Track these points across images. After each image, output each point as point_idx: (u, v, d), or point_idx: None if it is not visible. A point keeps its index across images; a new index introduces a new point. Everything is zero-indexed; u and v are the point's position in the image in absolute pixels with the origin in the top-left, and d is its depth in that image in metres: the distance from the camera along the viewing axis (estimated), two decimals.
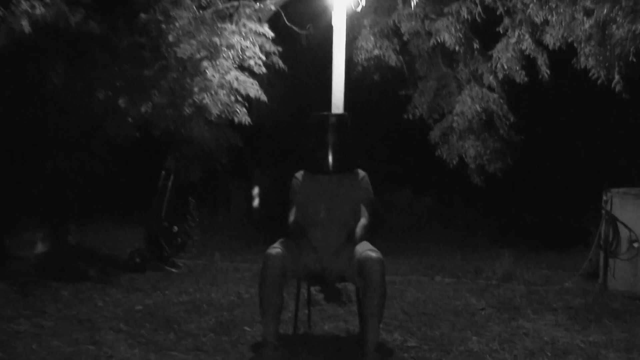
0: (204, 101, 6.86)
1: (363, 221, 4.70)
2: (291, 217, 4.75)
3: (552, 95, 10.62)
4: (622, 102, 7.49)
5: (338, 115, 5.33)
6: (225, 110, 7.10)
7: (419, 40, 9.53)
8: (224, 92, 6.99)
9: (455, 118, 8.85)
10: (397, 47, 9.10)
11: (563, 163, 14.31)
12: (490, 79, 8.46)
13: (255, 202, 15.58)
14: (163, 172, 8.92)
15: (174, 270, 8.48)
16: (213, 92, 6.90)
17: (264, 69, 7.43)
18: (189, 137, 11.33)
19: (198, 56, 6.80)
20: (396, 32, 9.22)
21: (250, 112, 12.17)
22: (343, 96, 6.77)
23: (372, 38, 8.56)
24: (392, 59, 8.80)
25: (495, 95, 8.65)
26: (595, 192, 9.02)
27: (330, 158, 4.77)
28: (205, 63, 6.83)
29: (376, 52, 8.48)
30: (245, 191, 15.93)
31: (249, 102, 11.92)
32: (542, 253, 10.92)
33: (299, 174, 4.93)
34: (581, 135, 13.54)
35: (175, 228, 8.86)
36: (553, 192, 14.15)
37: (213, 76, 6.91)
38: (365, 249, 4.34)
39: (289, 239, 4.51)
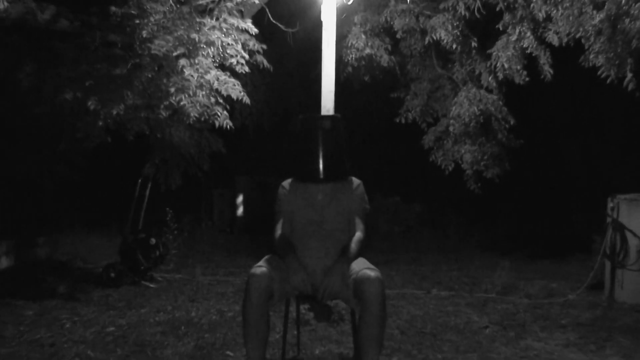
0: (181, 103, 6.28)
1: (358, 235, 4.16)
2: (277, 231, 4.23)
3: (550, 96, 10.12)
4: (628, 103, 7.00)
5: (330, 118, 4.77)
6: (205, 113, 6.53)
7: (412, 39, 9.03)
8: (204, 93, 6.42)
9: (452, 122, 8.33)
10: (389, 47, 8.57)
11: (559, 168, 13.83)
12: (489, 79, 7.95)
13: (240, 211, 15.00)
14: (140, 180, 8.32)
15: (151, 285, 7.92)
16: (191, 93, 6.33)
17: (247, 69, 6.86)
18: (169, 142, 10.83)
19: (175, 53, 6.23)
20: (388, 30, 8.71)
21: (232, 116, 11.67)
22: (333, 97, 6.22)
23: (363, 36, 8.01)
24: (384, 59, 8.27)
25: (494, 97, 8.14)
26: (595, 198, 8.56)
27: (321, 165, 4.27)
28: (182, 61, 6.26)
29: (367, 51, 7.93)
30: (230, 199, 15.38)
31: (231, 105, 11.41)
32: (540, 262, 10.54)
33: (286, 183, 4.43)
34: (580, 139, 13.06)
35: (153, 240, 8.26)
36: (549, 198, 13.67)
37: (191, 75, 6.34)
38: (362, 267, 3.88)
39: (276, 256, 4.01)
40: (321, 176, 4.26)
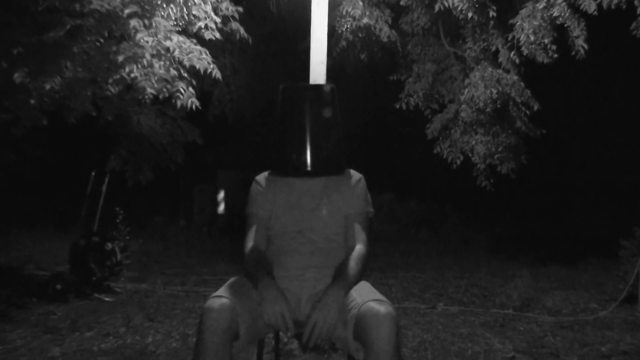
0: (132, 75, 4.81)
1: (359, 250, 2.88)
2: (249, 243, 2.95)
3: (576, 77, 8.66)
4: None
5: (320, 88, 3.32)
6: (164, 89, 5.07)
7: (414, 13, 7.60)
8: (162, 63, 4.97)
9: (463, 107, 6.90)
10: (389, 20, 7.13)
11: (577, 161, 12.42)
12: (511, 55, 6.50)
13: (221, 208, 13.57)
14: (93, 174, 6.86)
15: (105, 299, 6.52)
16: (145, 63, 4.87)
17: (217, 35, 5.42)
18: (136, 131, 9.37)
19: (125, 11, 4.76)
20: (389, 2, 7.28)
21: (211, 103, 10.36)
22: (325, 69, 4.79)
23: (360, 3, 6.54)
24: (385, 32, 6.82)
25: (515, 77, 6.71)
26: (622, 196, 7.20)
27: (308, 153, 3.04)
28: (134, 22, 4.80)
29: (365, 20, 6.47)
30: (211, 195, 13.98)
31: (209, 91, 10.09)
32: (555, 268, 9.39)
33: (262, 178, 3.22)
34: (613, 127, 11.60)
35: (109, 244, 6.82)
36: (563, 195, 12.29)
37: (145, 41, 4.87)
38: (367, 298, 2.63)
39: (245, 279, 2.79)
40: (308, 168, 3.02)
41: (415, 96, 7.87)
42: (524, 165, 7.73)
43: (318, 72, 4.89)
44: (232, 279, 2.75)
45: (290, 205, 2.97)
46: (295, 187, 3.01)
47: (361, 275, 2.77)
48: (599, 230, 11.58)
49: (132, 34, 4.88)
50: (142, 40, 4.90)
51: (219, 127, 11.03)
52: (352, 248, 2.82)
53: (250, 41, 6.12)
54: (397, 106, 7.94)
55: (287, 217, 2.94)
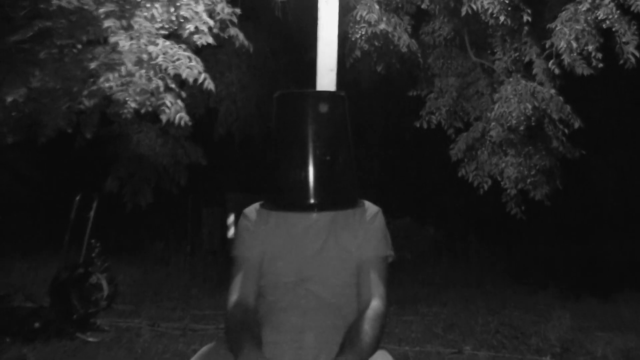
0: (107, 85, 4.00)
1: (375, 307, 2.26)
2: (232, 297, 2.34)
3: (612, 89, 7.68)
4: None
5: (326, 95, 2.63)
6: (147, 103, 4.26)
7: (436, 22, 6.77)
8: (143, 72, 4.15)
9: (492, 125, 6.01)
10: (409, 28, 6.30)
11: (608, 182, 11.41)
12: (549, 65, 5.61)
13: (231, 232, 12.76)
14: (77, 199, 6.07)
15: (89, 339, 5.74)
16: (123, 71, 4.06)
17: (210, 39, 4.60)
18: (135, 151, 8.63)
19: (100, 11, 3.96)
20: (408, 9, 6.45)
21: (217, 121, 9.58)
22: (335, 78, 3.96)
23: (376, 6, 5.69)
24: (404, 41, 5.98)
25: (552, 91, 5.82)
26: None
27: (311, 180, 2.35)
28: (109, 23, 3.99)
29: (382, 26, 5.62)
30: (220, 218, 13.24)
31: (214, 109, 9.31)
32: (593, 304, 8.54)
33: (252, 212, 2.52)
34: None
35: (96, 277, 6.00)
36: (592, 219, 11.28)
37: (124, 46, 4.07)
38: None
39: (224, 348, 2.18)
40: (311, 200, 2.36)
41: (437, 113, 7.02)
42: (559, 190, 6.82)
43: (327, 81, 4.08)
44: (206, 348, 2.18)
45: (288, 247, 2.34)
46: (294, 225, 2.37)
47: (378, 343, 2.16)
48: (631, 257, 10.62)
49: (108, 36, 4.07)
50: (120, 44, 4.09)
51: (225, 147, 10.27)
52: (367, 304, 2.22)
53: (251, 49, 5.31)
54: (418, 125, 7.08)
55: (283, 263, 2.32)
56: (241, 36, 5.15)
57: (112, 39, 4.01)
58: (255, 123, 9.58)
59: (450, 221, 12.59)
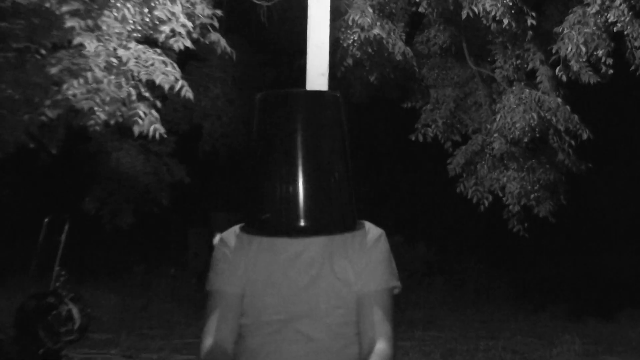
0: (70, 93, 3.51)
1: (380, 351, 1.82)
2: (207, 340, 1.89)
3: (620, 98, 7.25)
4: None
5: (317, 96, 2.15)
6: (117, 113, 3.77)
7: (432, 30, 6.35)
8: (113, 78, 3.67)
9: (495, 136, 5.56)
10: (403, 36, 5.87)
11: (613, 193, 10.96)
12: (556, 72, 5.16)
13: None
14: (46, 221, 5.56)
15: None
16: (90, 78, 3.57)
17: (188, 43, 4.12)
18: (114, 169, 8.13)
19: (63, 10, 3.48)
20: (402, 16, 6.03)
21: (201, 137, 9.08)
22: (327, 83, 3.51)
23: (370, 10, 5.25)
24: (399, 48, 5.53)
25: (559, 100, 5.38)
26: None
27: (300, 199, 1.90)
28: (74, 23, 3.51)
29: (376, 31, 5.17)
30: (206, 239, 12.70)
31: (198, 124, 8.82)
32: (596, 326, 8.55)
33: (231, 236, 2.05)
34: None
35: (66, 307, 5.47)
36: (589, 236, 10.85)
37: (89, 49, 3.59)
38: None
39: None
40: (301, 223, 1.92)
41: (433, 126, 6.56)
42: (563, 206, 6.38)
43: (318, 86, 3.64)
44: None
45: (274, 279, 1.95)
46: (281, 252, 1.96)
47: None
48: (631, 274, 10.22)
49: (73, 38, 3.59)
50: (86, 46, 3.61)
51: (211, 164, 9.79)
52: (370, 348, 1.85)
53: (234, 57, 4.84)
54: (413, 138, 6.62)
55: (268, 299, 1.92)
56: (223, 42, 4.69)
57: (77, 40, 3.52)
58: (242, 139, 9.09)
59: (443, 240, 12.14)
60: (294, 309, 1.85)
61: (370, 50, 5.30)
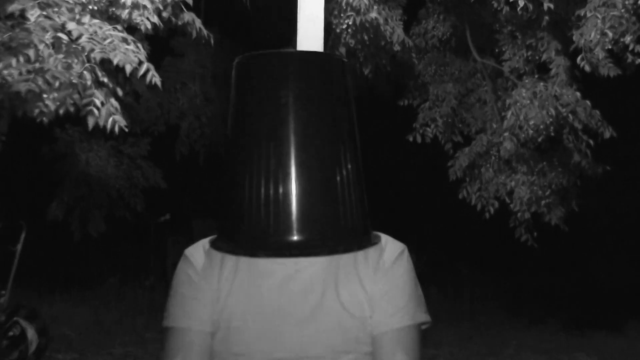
0: (5, 72, 2.81)
1: None
2: None
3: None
4: None
5: (318, 59, 1.44)
6: (68, 100, 3.07)
7: (430, 20, 5.72)
8: (61, 57, 2.97)
9: (505, 135, 4.90)
10: (403, 22, 5.22)
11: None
12: (578, 61, 4.52)
13: None
14: None
15: None
16: (31, 57, 2.88)
17: (155, 19, 3.42)
18: (83, 172, 7.39)
19: None
20: (398, 4, 5.37)
21: (178, 139, 8.36)
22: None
23: None
24: (398, 36, 4.87)
25: (578, 94, 4.74)
26: None
27: (294, 206, 1.27)
28: None
29: (373, 15, 4.50)
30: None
31: (175, 125, 8.11)
32: (600, 339, 8.20)
33: (197, 254, 1.42)
34: None
35: (20, 326, 4.75)
36: (580, 241, 10.21)
37: (31, 19, 2.89)
38: None
39: None
40: (294, 237, 1.28)
41: (433, 125, 5.89)
42: (574, 212, 5.74)
43: None
44: None
45: (256, 312, 1.41)
46: (268, 275, 1.43)
47: None
48: (633, 283, 9.67)
49: (7, 6, 2.89)
50: (27, 15, 2.91)
51: (190, 168, 9.08)
52: None
53: (212, 41, 4.15)
54: (411, 138, 5.95)
55: (248, 339, 1.40)
56: (198, 23, 3.99)
57: (12, 7, 2.82)
58: (223, 140, 8.41)
59: (433, 248, 11.49)
60: (284, 354, 1.34)
61: (366, 37, 4.63)
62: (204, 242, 1.48)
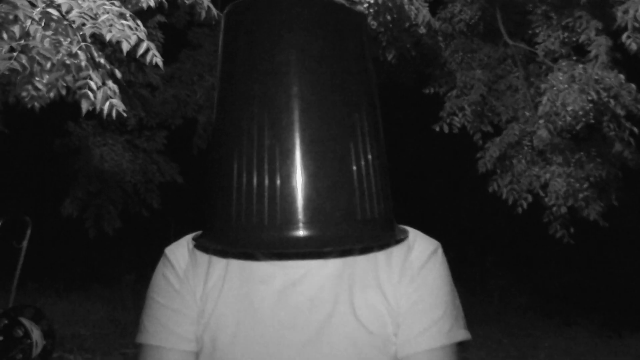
0: None
1: None
2: None
3: None
4: None
5: (330, 7, 1.03)
6: (60, 83, 2.76)
7: (457, 3, 5.33)
8: (50, 34, 2.65)
9: (540, 123, 4.50)
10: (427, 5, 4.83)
11: None
12: (624, 39, 4.08)
13: None
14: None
15: None
16: (17, 32, 2.57)
17: None
18: (97, 167, 7.10)
19: None
20: None
21: (195, 133, 8.01)
22: None
23: None
24: (424, 18, 4.48)
25: (621, 77, 4.31)
26: None
27: (300, 193, 0.96)
28: None
29: None
30: None
31: (192, 118, 7.76)
32: (636, 339, 6.84)
33: (179, 254, 1.14)
34: None
35: (24, 328, 4.40)
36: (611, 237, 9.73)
37: None
38: None
39: None
40: (299, 232, 0.96)
41: (460, 114, 5.49)
42: (614, 207, 5.30)
43: None
44: None
45: (251, 326, 1.09)
46: (266, 280, 1.12)
47: None
48: None
49: None
50: None
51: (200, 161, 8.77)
52: None
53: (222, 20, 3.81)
54: (437, 128, 5.55)
55: (242, 358, 1.09)
56: (207, 1, 3.65)
57: None
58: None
59: (461, 244, 11.07)
60: None
61: (389, 17, 4.25)
62: (188, 240, 1.18)
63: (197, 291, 1.13)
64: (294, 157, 0.97)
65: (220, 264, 1.13)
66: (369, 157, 1.02)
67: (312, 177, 0.97)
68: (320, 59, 1.00)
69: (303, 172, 0.97)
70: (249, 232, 0.98)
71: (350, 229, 0.99)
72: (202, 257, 1.15)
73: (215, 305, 1.10)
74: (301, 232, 0.97)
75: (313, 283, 1.09)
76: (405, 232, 1.12)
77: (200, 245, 1.13)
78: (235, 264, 1.12)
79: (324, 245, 0.99)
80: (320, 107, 0.99)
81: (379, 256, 1.11)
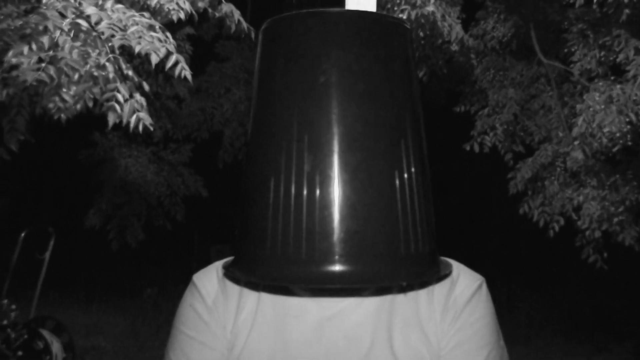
0: (14, 61, 2.48)
1: None
2: None
3: None
4: None
5: (377, 22, 0.98)
6: (87, 95, 2.73)
7: (490, 20, 5.25)
8: (78, 45, 2.63)
9: (576, 144, 4.38)
10: (462, 17, 4.75)
11: None
12: None
13: None
14: (22, 235, 4.55)
15: None
16: (46, 43, 2.55)
17: (187, 6, 3.05)
18: (121, 179, 7.11)
19: None
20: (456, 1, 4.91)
21: (221, 146, 7.97)
22: None
23: None
24: (457, 35, 4.39)
25: None
26: None
27: (337, 227, 0.89)
28: None
29: (431, 8, 4.04)
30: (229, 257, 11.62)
31: (218, 131, 7.72)
32: None
33: (210, 284, 1.09)
34: None
35: (44, 340, 4.43)
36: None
37: (44, 5, 2.56)
38: None
39: None
40: (335, 267, 0.89)
41: (492, 134, 5.38)
42: None
43: None
44: None
45: (287, 359, 1.03)
46: (300, 314, 1.06)
47: None
48: None
49: None
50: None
51: (233, 177, 8.74)
52: None
53: (252, 34, 3.77)
54: (468, 147, 5.45)
55: None
56: (237, 14, 3.62)
57: None
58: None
59: (489, 266, 10.86)
60: None
61: (421, 33, 4.19)
62: (218, 267, 1.12)
63: (228, 324, 1.07)
64: (333, 186, 0.90)
65: (252, 296, 1.07)
66: (414, 187, 0.95)
67: (352, 209, 0.90)
68: (364, 80, 0.94)
69: (342, 203, 0.90)
70: (284, 265, 0.92)
71: (392, 264, 0.92)
72: (233, 288, 1.09)
73: (247, 340, 1.04)
74: (337, 268, 0.90)
75: (350, 319, 1.03)
76: (449, 267, 1.05)
77: (232, 275, 1.07)
78: (268, 297, 1.06)
79: (362, 282, 0.92)
80: (364, 133, 0.92)
81: (421, 292, 1.05)
